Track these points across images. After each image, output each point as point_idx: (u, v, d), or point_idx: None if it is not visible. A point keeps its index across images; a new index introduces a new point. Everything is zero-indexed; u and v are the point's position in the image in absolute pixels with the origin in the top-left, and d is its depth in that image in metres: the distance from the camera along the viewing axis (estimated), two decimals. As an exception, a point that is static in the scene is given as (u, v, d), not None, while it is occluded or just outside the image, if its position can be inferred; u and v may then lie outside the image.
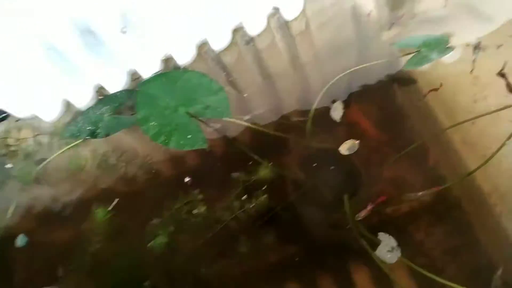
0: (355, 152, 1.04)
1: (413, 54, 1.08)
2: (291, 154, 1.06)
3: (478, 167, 0.93)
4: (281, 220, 1.02)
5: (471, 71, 1.06)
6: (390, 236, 0.90)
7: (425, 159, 1.03)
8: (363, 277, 0.95)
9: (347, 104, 1.12)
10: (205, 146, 0.95)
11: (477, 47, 1.09)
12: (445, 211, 0.97)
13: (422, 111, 1.10)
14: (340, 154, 1.03)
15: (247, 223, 1.00)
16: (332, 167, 1.03)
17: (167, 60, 1.12)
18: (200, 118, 0.99)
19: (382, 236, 0.91)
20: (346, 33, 1.19)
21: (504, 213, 0.92)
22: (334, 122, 1.08)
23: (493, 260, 0.90)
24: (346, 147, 1.02)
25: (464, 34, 1.10)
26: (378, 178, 1.03)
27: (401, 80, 1.14)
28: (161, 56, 1.11)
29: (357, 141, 1.02)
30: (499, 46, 1.08)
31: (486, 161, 0.91)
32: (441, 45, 1.07)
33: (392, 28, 1.17)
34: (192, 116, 0.99)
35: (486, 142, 0.97)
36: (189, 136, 0.96)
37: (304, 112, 1.10)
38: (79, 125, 1.06)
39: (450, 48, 1.06)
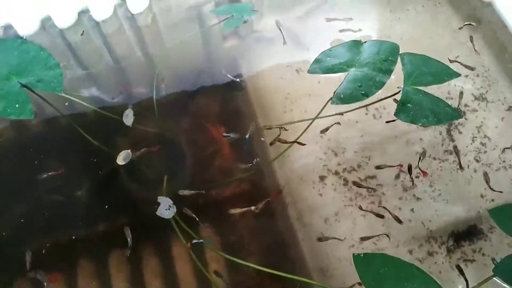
0: (186, 139, 1.19)
1: (228, 17, 1.30)
2: (121, 136, 1.16)
3: (275, 158, 1.14)
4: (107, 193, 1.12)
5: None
6: (167, 198, 1.04)
7: (246, 151, 1.22)
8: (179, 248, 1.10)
9: (193, 97, 1.27)
10: (31, 117, 0.99)
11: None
12: (257, 196, 1.17)
13: (249, 113, 1.29)
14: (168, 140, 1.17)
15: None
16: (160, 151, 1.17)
17: (7, 28, 1.13)
18: (32, 89, 1.03)
19: (160, 198, 1.04)
20: (191, 34, 1.34)
21: (289, 203, 1.15)
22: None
23: (285, 240, 1.12)
24: (121, 158, 1.11)
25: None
26: (205, 164, 1.19)
27: (235, 86, 1.32)
28: (1, 23, 1.12)
29: (129, 151, 1.12)
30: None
31: (278, 156, 1.14)
32: (248, 10, 1.32)
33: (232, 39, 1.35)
34: (24, 86, 1.03)
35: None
36: (17, 106, 1.00)
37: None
38: None
39: (254, 11, 1.33)
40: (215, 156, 1.20)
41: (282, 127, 1.19)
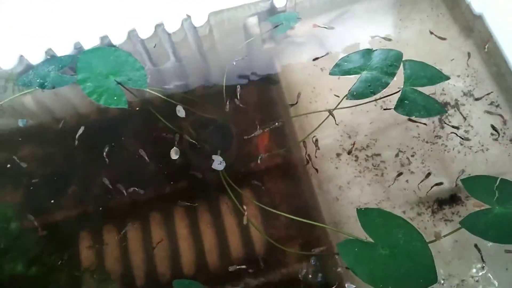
0: (233, 122, 1.56)
1: (280, 24, 1.63)
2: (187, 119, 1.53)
3: (304, 138, 1.48)
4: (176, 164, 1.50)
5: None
6: (219, 156, 1.40)
7: (281, 133, 1.57)
8: (225, 207, 1.47)
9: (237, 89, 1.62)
10: (126, 106, 1.36)
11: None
12: (288, 169, 1.52)
13: (281, 103, 1.63)
14: (220, 123, 1.54)
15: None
16: (213, 132, 1.53)
17: (104, 38, 1.51)
18: (124, 85, 1.40)
19: (214, 156, 1.40)
20: (239, 40, 1.69)
21: (312, 174, 1.50)
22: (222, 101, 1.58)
23: (308, 202, 1.48)
24: (173, 153, 1.45)
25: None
26: (247, 141, 1.53)
27: (271, 80, 1.66)
28: (100, 34, 1.50)
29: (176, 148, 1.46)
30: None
31: (307, 136, 1.48)
32: (294, 17, 1.65)
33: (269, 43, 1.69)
34: (118, 83, 1.40)
35: (310, 128, 1.54)
36: (115, 98, 1.37)
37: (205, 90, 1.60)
38: (30, 76, 1.41)
39: (299, 18, 1.64)
40: (256, 137, 1.56)
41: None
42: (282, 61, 1.69)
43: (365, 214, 1.19)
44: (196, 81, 1.64)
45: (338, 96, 1.46)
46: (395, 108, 1.30)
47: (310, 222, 1.35)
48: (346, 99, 1.35)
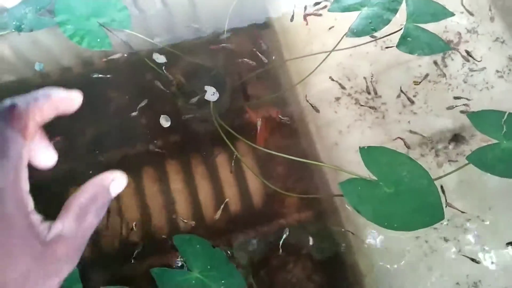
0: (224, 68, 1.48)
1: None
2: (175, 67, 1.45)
3: (299, 82, 1.41)
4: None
5: (307, 24, 1.54)
6: (212, 87, 1.35)
7: (274, 81, 1.50)
8: (222, 159, 1.41)
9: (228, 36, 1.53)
10: (110, 48, 1.28)
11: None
12: (284, 115, 1.45)
13: (275, 48, 1.55)
14: (210, 70, 1.46)
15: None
16: (205, 78, 1.45)
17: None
18: (107, 27, 1.31)
19: (206, 87, 1.35)
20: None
21: (310, 120, 1.43)
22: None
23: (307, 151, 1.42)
24: (163, 120, 1.38)
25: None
26: (239, 89, 1.47)
27: (263, 25, 1.57)
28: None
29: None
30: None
31: (304, 79, 1.41)
32: None
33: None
34: (101, 25, 1.30)
35: (307, 71, 1.46)
36: (98, 40, 1.28)
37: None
38: (5, 19, 1.31)
39: None
40: (248, 84, 1.48)
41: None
42: (275, 5, 1.59)
43: (368, 153, 1.14)
44: (183, 26, 1.54)
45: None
46: (397, 46, 1.23)
47: (311, 161, 1.29)
48: (346, 36, 1.27)
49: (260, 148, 1.33)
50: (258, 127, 1.34)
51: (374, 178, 1.11)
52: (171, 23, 1.56)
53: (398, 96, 1.38)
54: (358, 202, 1.08)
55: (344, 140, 1.37)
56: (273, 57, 1.49)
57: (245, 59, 1.47)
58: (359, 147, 1.14)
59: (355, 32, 1.25)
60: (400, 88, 1.38)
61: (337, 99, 1.42)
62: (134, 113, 1.37)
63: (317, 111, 1.38)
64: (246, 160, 1.34)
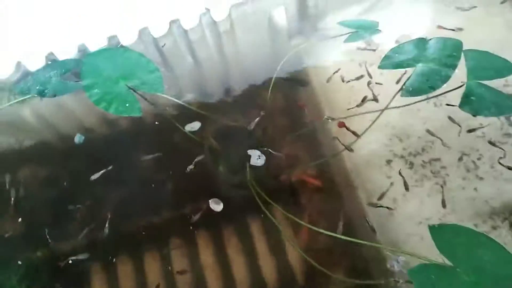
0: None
1: (351, 33, 1.38)
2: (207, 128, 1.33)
3: (349, 145, 1.26)
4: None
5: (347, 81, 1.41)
6: (256, 150, 1.22)
7: (313, 141, 1.36)
8: (257, 228, 1.25)
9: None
10: (140, 114, 1.17)
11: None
12: (323, 182, 1.30)
13: (315, 106, 1.43)
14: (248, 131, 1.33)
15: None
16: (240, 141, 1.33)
17: (112, 38, 1.31)
18: (137, 91, 1.21)
19: (250, 151, 1.23)
20: (263, 36, 1.49)
21: (358, 186, 1.28)
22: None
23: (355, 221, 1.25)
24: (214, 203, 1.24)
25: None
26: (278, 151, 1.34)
27: (300, 81, 1.46)
28: (107, 33, 1.30)
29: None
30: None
31: (352, 143, 1.26)
32: (373, 28, 1.38)
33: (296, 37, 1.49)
34: (130, 88, 1.20)
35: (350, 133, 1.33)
36: (127, 105, 1.17)
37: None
38: (29, 83, 1.22)
39: (378, 31, 1.38)
40: (289, 147, 1.34)
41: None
42: (312, 59, 1.48)
43: (440, 232, 0.97)
44: (215, 85, 1.43)
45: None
46: (460, 106, 1.09)
47: (360, 241, 1.12)
48: (401, 95, 1.14)
49: (303, 223, 1.17)
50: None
51: (449, 263, 0.94)
52: (201, 81, 1.46)
53: (460, 159, 1.23)
54: (433, 294, 0.90)
55: (400, 210, 1.20)
56: (325, 117, 1.34)
57: (281, 121, 1.35)
58: (429, 226, 0.98)
59: (410, 91, 1.12)
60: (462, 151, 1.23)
61: (388, 162, 1.27)
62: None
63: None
64: (284, 230, 1.18)
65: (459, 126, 1.26)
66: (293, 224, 1.21)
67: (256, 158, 1.22)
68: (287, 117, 1.39)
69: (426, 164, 1.24)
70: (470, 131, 1.25)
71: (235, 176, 1.28)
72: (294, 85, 1.45)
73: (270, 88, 1.36)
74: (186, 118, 1.30)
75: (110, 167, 1.25)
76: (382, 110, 1.22)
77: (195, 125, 1.26)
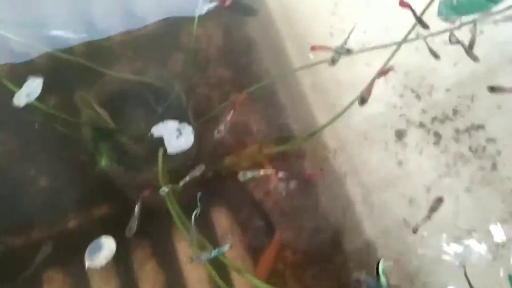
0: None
1: None
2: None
3: (326, 125, 0.73)
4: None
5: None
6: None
7: (272, 104, 0.82)
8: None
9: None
10: None
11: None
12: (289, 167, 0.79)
13: (272, 44, 0.87)
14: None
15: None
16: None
17: None
18: None
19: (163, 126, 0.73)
20: None
21: (347, 174, 0.76)
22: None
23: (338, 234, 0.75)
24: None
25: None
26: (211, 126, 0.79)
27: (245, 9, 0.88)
28: None
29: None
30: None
31: (335, 119, 0.72)
32: None
33: None
34: None
35: (337, 90, 0.79)
36: None
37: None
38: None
39: None
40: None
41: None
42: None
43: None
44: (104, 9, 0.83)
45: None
46: None
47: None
48: (438, 15, 0.61)
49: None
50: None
51: None
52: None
53: (521, 125, 0.73)
54: None
55: (420, 216, 0.70)
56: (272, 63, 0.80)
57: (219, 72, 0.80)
58: (509, 276, 0.48)
59: (454, 7, 0.60)
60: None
61: (400, 134, 0.75)
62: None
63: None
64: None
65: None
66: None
67: (175, 137, 0.66)
68: (227, 66, 0.83)
69: (462, 136, 0.73)
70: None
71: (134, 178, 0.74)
72: (235, 14, 0.88)
73: (196, 20, 0.79)
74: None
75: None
76: (398, 45, 0.67)
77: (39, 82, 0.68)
